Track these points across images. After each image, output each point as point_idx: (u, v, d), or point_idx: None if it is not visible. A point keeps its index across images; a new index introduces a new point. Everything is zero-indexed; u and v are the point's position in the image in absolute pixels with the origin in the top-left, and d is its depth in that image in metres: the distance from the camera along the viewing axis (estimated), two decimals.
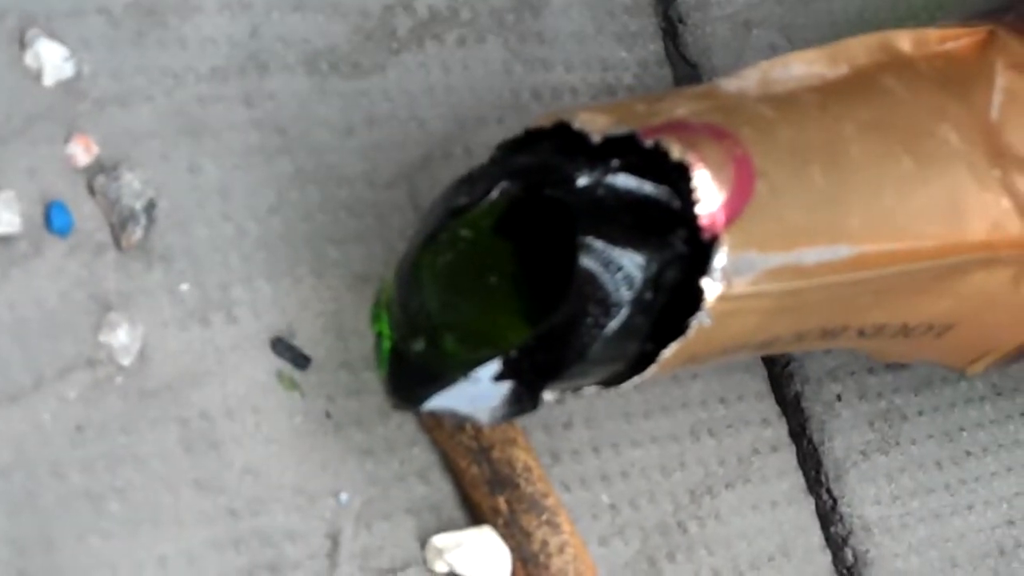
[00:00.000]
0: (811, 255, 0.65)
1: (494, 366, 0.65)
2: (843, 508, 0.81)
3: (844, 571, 0.81)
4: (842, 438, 0.82)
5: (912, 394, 0.84)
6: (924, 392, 0.84)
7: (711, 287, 0.62)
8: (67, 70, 0.69)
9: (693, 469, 0.78)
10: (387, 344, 0.68)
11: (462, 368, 0.65)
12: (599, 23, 0.80)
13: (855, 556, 0.81)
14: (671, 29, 0.82)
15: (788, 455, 0.80)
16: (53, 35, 0.69)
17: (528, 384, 0.65)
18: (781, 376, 0.81)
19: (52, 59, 0.69)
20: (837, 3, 0.86)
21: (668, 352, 0.64)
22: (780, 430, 0.81)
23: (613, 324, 0.63)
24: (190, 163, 0.71)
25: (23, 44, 0.68)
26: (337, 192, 0.73)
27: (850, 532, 0.81)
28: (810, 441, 0.81)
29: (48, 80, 0.69)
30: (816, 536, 0.81)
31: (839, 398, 0.82)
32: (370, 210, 0.73)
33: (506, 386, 0.65)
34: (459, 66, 0.77)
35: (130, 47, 0.71)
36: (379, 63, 0.75)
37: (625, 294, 0.63)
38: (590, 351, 0.63)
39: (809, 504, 0.81)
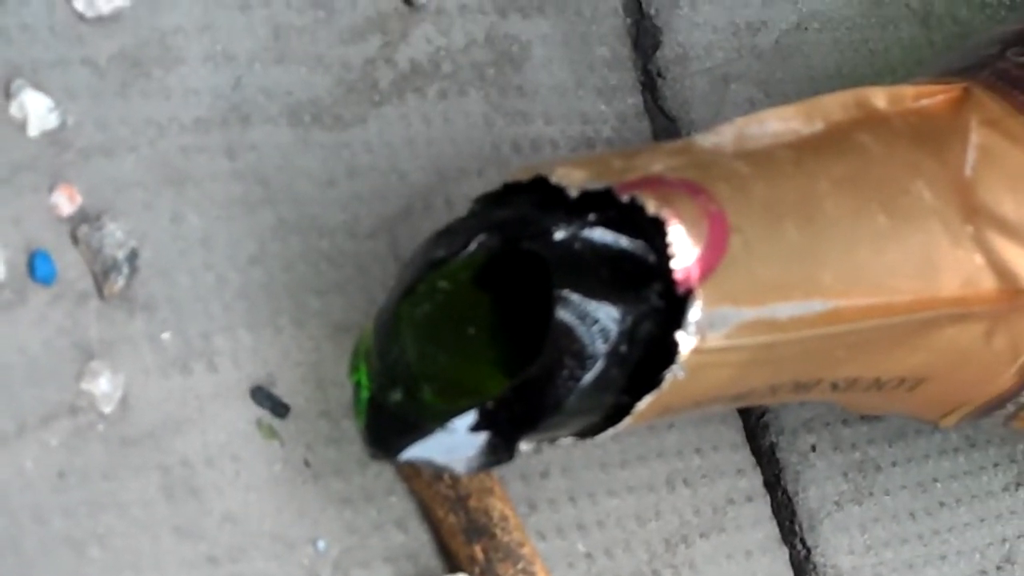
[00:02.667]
0: (785, 309, 0.65)
1: (471, 417, 0.65)
2: (817, 558, 0.82)
3: None
4: (816, 488, 0.82)
5: (886, 445, 0.84)
6: (898, 443, 0.84)
7: (685, 341, 0.63)
8: (52, 120, 0.70)
9: (668, 518, 0.78)
10: (365, 394, 0.68)
11: (439, 418, 0.66)
12: (579, 76, 0.80)
13: None
14: (650, 83, 0.83)
15: (762, 505, 0.81)
16: (38, 86, 0.69)
17: (505, 435, 0.65)
18: (756, 427, 0.81)
19: (37, 109, 0.69)
20: (815, 59, 0.86)
21: (643, 404, 0.64)
22: (755, 480, 0.81)
23: (589, 376, 0.63)
24: (173, 213, 0.71)
25: (8, 94, 0.69)
26: (318, 243, 0.73)
27: None
28: (784, 491, 0.81)
29: (33, 130, 0.69)
30: None
31: (813, 449, 0.82)
32: (351, 261, 0.74)
33: (483, 436, 0.65)
34: (440, 119, 0.77)
35: (114, 98, 0.71)
36: (361, 115, 0.76)
37: (600, 347, 0.63)
38: (566, 403, 0.64)
39: (783, 554, 0.81)
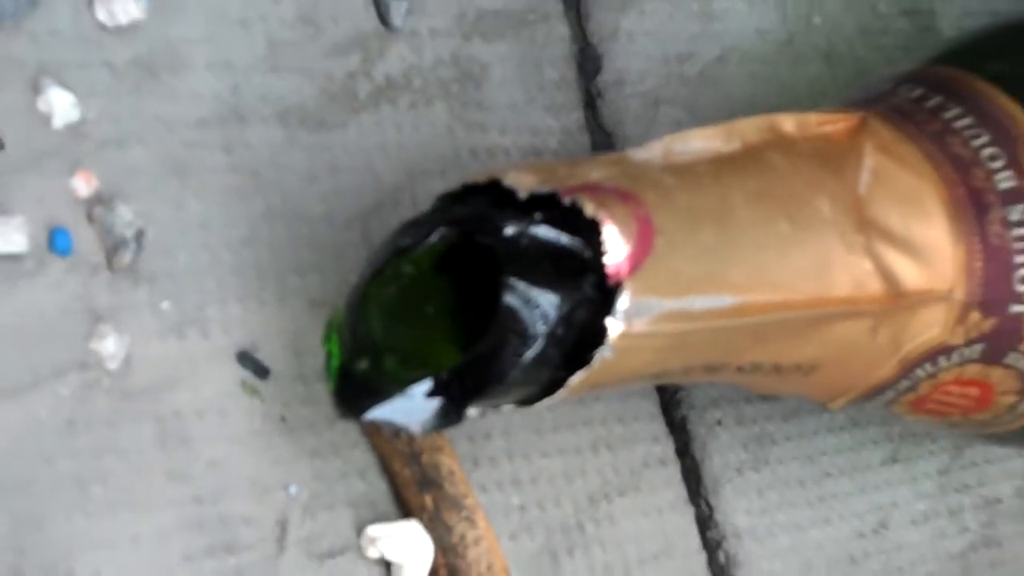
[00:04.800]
0: (699, 302, 0.65)
1: (427, 385, 0.65)
2: (718, 516, 0.82)
3: (717, 570, 0.81)
4: (720, 457, 0.82)
5: (781, 422, 0.84)
6: (791, 421, 0.84)
7: (614, 326, 0.63)
8: (74, 115, 0.69)
9: (592, 478, 0.78)
10: (336, 362, 0.68)
11: (399, 385, 0.66)
12: (530, 95, 0.80)
13: (727, 558, 0.81)
14: (591, 102, 0.83)
15: (673, 469, 0.81)
16: (63, 84, 0.69)
17: (455, 401, 0.65)
18: (670, 402, 0.81)
19: (61, 105, 0.69)
20: (734, 88, 0.86)
21: (575, 379, 0.64)
22: (667, 447, 0.81)
23: (530, 353, 0.63)
24: (175, 199, 0.71)
25: (37, 90, 0.68)
26: (301, 229, 0.73)
27: (723, 537, 0.81)
28: (692, 458, 0.81)
29: (57, 123, 0.69)
30: (694, 540, 0.81)
31: (719, 422, 0.82)
32: (328, 246, 0.73)
33: (436, 402, 0.65)
34: (409, 127, 0.77)
35: (128, 97, 0.71)
36: (341, 121, 0.75)
37: (541, 328, 0.63)
38: (509, 376, 0.63)
39: (690, 512, 0.81)
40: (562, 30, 0.83)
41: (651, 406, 0.81)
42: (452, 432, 0.71)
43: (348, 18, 0.77)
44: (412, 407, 0.65)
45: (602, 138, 0.82)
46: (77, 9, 0.70)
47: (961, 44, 0.84)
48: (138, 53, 0.71)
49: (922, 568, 0.88)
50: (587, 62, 0.83)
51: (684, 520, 0.81)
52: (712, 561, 0.81)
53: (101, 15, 0.71)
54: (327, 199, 0.74)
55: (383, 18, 0.78)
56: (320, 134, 0.75)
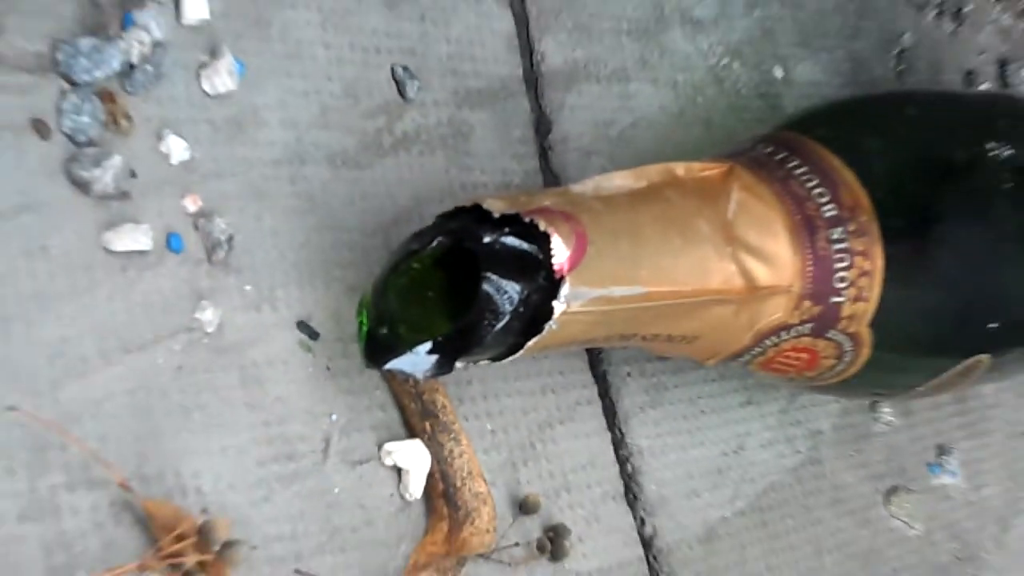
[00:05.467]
0: (618, 291, 0.64)
1: (428, 345, 0.65)
2: (627, 440, 0.81)
3: (626, 477, 0.80)
4: (629, 399, 0.82)
5: (672, 375, 0.84)
6: (679, 374, 0.84)
7: (558, 307, 0.62)
8: (185, 155, 0.68)
9: (541, 412, 0.77)
10: (364, 329, 0.67)
11: (409, 346, 0.65)
12: (502, 146, 0.80)
13: (632, 468, 0.81)
14: (544, 154, 0.82)
15: (596, 407, 0.80)
16: (179, 134, 0.68)
17: (447, 357, 0.64)
18: (595, 359, 0.81)
19: (177, 148, 0.68)
20: (642, 145, 0.86)
21: (531, 343, 0.64)
22: (593, 392, 0.80)
23: (499, 325, 0.63)
24: (255, 215, 0.70)
25: (160, 137, 0.67)
26: (341, 237, 0.72)
27: (631, 454, 0.81)
28: (610, 400, 0.81)
29: (174, 160, 0.68)
30: (610, 455, 0.81)
31: (629, 375, 0.82)
32: (360, 249, 0.73)
33: (434, 358, 0.65)
34: (418, 167, 0.76)
35: (224, 144, 0.70)
36: (371, 163, 0.75)
37: (508, 308, 0.62)
38: (485, 341, 0.63)
39: (607, 437, 0.80)
40: (524, 103, 0.82)
41: (582, 363, 0.80)
42: (445, 378, 0.70)
43: (378, 92, 0.76)
44: (417, 361, 0.65)
45: (551, 179, 0.81)
46: (188, 82, 0.69)
47: (799, 116, 0.83)
48: (231, 113, 0.70)
49: (767, 478, 0.87)
50: (541, 126, 0.82)
51: (603, 442, 0.80)
52: (622, 471, 0.80)
53: (206, 86, 0.70)
54: (360, 216, 0.73)
55: (401, 93, 0.77)
56: (356, 171, 0.74)
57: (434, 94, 0.78)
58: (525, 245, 0.63)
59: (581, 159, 0.83)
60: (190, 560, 0.60)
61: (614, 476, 0.80)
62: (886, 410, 0.95)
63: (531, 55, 0.84)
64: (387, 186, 0.74)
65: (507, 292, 0.62)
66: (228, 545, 0.60)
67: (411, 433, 0.71)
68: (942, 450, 0.99)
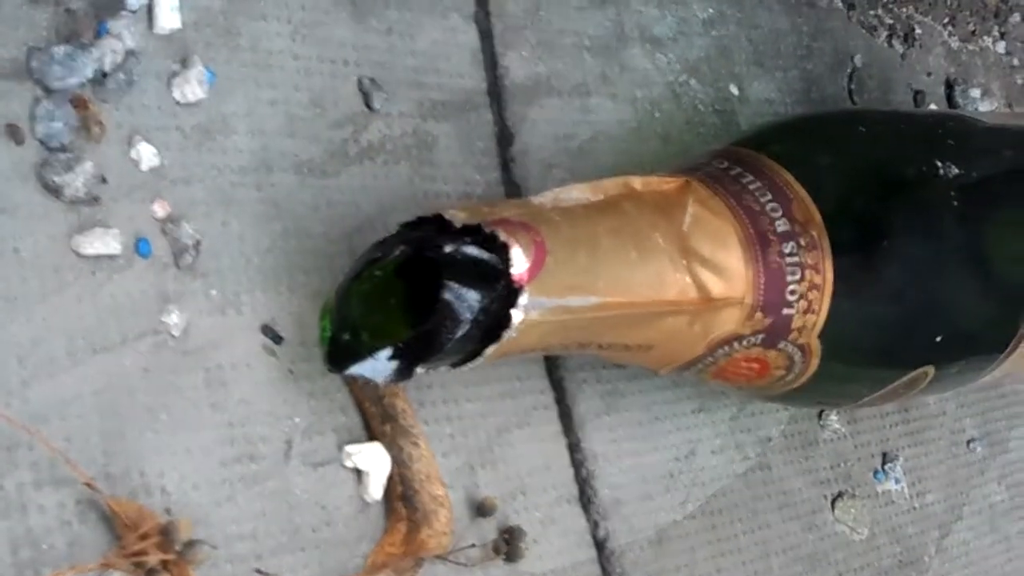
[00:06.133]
0: (574, 301, 0.64)
1: (388, 351, 0.64)
2: (583, 445, 0.81)
3: (581, 481, 0.80)
4: (585, 404, 0.81)
5: (627, 382, 0.83)
6: (634, 381, 0.83)
7: (517, 316, 0.62)
8: (155, 161, 0.68)
9: (499, 416, 0.77)
10: (327, 334, 0.67)
11: (370, 351, 0.65)
12: (465, 158, 0.79)
13: (587, 472, 0.80)
14: (506, 165, 0.82)
15: (553, 412, 0.80)
16: (149, 141, 0.67)
17: (407, 363, 0.64)
18: (553, 366, 0.80)
19: (147, 155, 0.67)
20: (602, 158, 0.86)
21: (490, 350, 0.63)
22: (549, 398, 0.80)
23: (459, 332, 0.62)
24: (222, 221, 0.69)
25: (130, 144, 0.67)
26: (307, 243, 0.72)
27: (585, 459, 0.80)
28: (566, 405, 0.81)
29: (144, 166, 0.67)
30: (566, 459, 0.80)
31: (585, 381, 0.82)
32: (325, 256, 0.72)
33: (394, 363, 0.64)
34: (383, 177, 0.76)
35: (193, 151, 0.69)
36: (337, 171, 0.74)
37: (467, 316, 0.62)
38: (445, 348, 0.62)
39: (563, 441, 0.80)
40: (488, 116, 0.82)
41: (539, 369, 0.80)
42: (406, 383, 0.70)
43: (344, 103, 0.75)
44: (378, 366, 0.64)
45: (513, 190, 0.81)
46: (159, 90, 0.69)
47: (754, 132, 0.83)
48: (200, 121, 0.70)
49: (717, 483, 0.87)
50: (504, 138, 0.82)
51: (559, 446, 0.80)
52: (577, 475, 0.80)
53: (176, 94, 0.69)
54: (325, 223, 0.72)
55: (368, 104, 0.77)
56: (322, 179, 0.73)
57: (399, 106, 0.78)
58: (485, 255, 0.63)
59: (542, 171, 0.83)
60: (153, 559, 0.59)
61: (569, 480, 0.79)
62: (833, 418, 0.95)
63: (495, 69, 0.83)
64: (352, 194, 0.74)
65: (467, 300, 0.62)
66: (190, 544, 0.60)
67: (372, 436, 0.71)
68: (887, 457, 0.99)
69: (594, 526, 0.80)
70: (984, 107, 1.19)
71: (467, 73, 0.82)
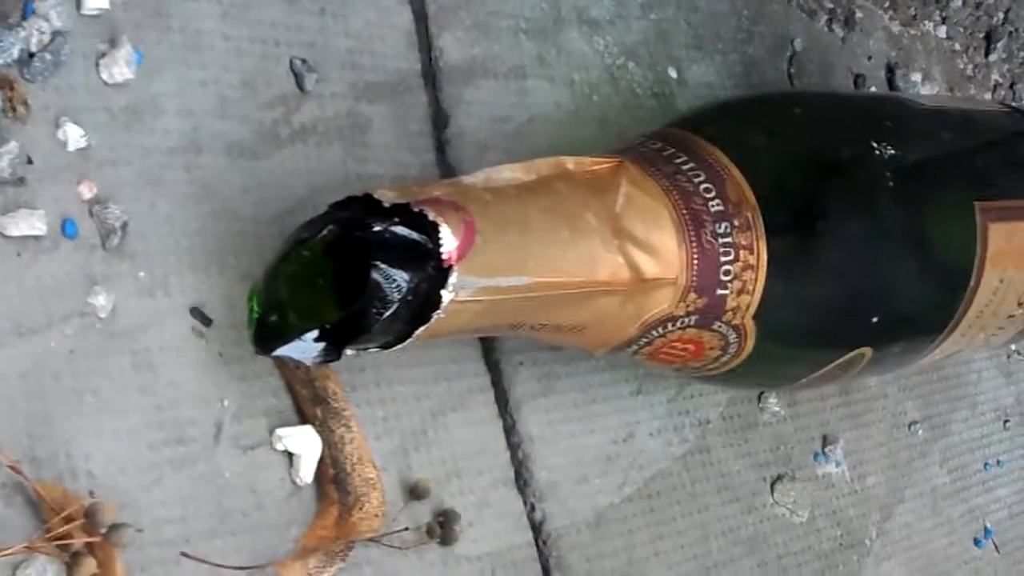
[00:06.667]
0: (505, 281, 0.64)
1: (315, 333, 0.64)
2: (519, 427, 0.80)
3: (517, 463, 0.80)
4: (521, 387, 0.81)
5: (564, 364, 0.83)
6: (569, 363, 0.83)
7: (446, 296, 0.62)
8: (82, 142, 0.67)
9: (433, 399, 0.77)
10: (255, 316, 0.66)
11: (297, 333, 0.64)
12: (398, 139, 0.79)
13: (523, 455, 0.80)
14: (441, 147, 0.81)
15: (489, 395, 0.80)
16: (76, 122, 0.67)
17: (335, 344, 0.63)
18: (489, 348, 0.80)
19: (74, 135, 0.67)
20: (538, 140, 0.86)
21: (419, 331, 0.63)
22: (485, 380, 0.80)
23: (388, 313, 0.62)
24: (150, 202, 0.69)
25: (57, 125, 0.66)
26: (237, 225, 0.71)
27: (521, 441, 0.80)
28: (502, 388, 0.81)
29: (71, 147, 0.66)
30: (502, 442, 0.80)
31: (521, 363, 0.81)
32: (254, 238, 0.72)
33: (321, 345, 0.64)
34: (315, 158, 0.75)
35: (121, 132, 0.68)
36: (268, 153, 0.74)
37: (396, 296, 0.61)
38: (373, 329, 0.62)
39: (499, 423, 0.80)
40: (422, 98, 0.81)
41: (475, 352, 0.80)
42: (337, 365, 0.69)
43: (275, 84, 0.75)
44: (305, 348, 0.64)
45: (448, 172, 0.81)
46: (87, 71, 0.68)
47: (689, 114, 0.83)
48: (129, 102, 0.69)
49: (656, 465, 0.87)
50: (439, 120, 0.81)
51: (495, 429, 0.79)
52: (513, 457, 0.80)
53: (104, 75, 0.68)
54: (256, 205, 0.72)
55: (300, 85, 0.76)
56: (253, 161, 0.73)
57: (332, 87, 0.77)
58: (415, 235, 0.62)
59: (478, 153, 0.82)
60: (77, 542, 0.58)
61: (505, 463, 0.79)
62: (772, 401, 0.95)
63: (430, 51, 0.83)
64: (283, 176, 0.73)
65: (396, 281, 0.61)
66: (115, 527, 0.59)
67: (303, 419, 0.70)
68: (827, 440, 0.99)
69: (530, 509, 0.79)
70: (925, 92, 1.19)
71: (401, 55, 0.81)
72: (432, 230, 0.62)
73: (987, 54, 1.28)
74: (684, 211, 0.71)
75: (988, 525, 1.12)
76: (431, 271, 0.62)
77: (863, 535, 1.00)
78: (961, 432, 1.13)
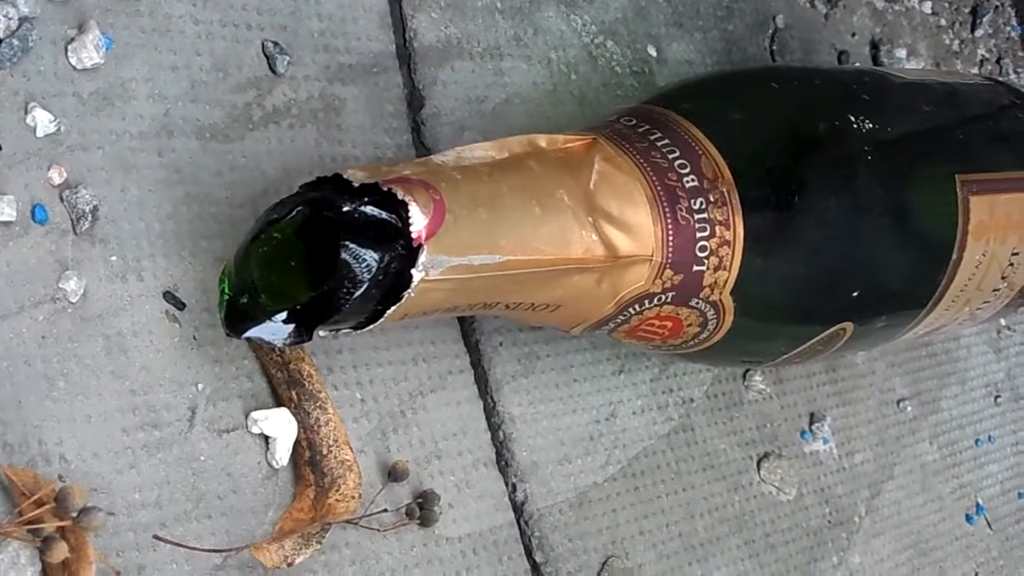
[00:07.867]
0: (477, 259, 0.64)
1: (286, 314, 0.63)
2: (499, 408, 0.80)
3: (498, 444, 0.80)
4: (501, 368, 0.81)
5: (544, 344, 0.83)
6: (550, 344, 0.83)
7: (416, 275, 0.61)
8: (51, 128, 0.67)
9: (412, 381, 0.77)
10: (226, 298, 0.66)
11: (269, 314, 0.64)
12: (374, 121, 0.79)
13: (504, 436, 0.80)
14: (416, 128, 0.81)
15: (469, 376, 0.79)
16: (45, 107, 0.67)
17: (307, 325, 0.63)
18: (468, 329, 0.80)
19: (43, 121, 0.66)
20: (515, 120, 0.86)
21: (390, 312, 0.62)
22: (465, 361, 0.79)
23: (358, 293, 0.61)
24: (121, 186, 0.69)
25: (26, 111, 0.66)
26: (209, 208, 0.71)
27: (502, 422, 0.80)
28: (482, 368, 0.80)
29: (40, 133, 0.66)
30: (482, 423, 0.80)
31: (501, 344, 0.81)
32: (229, 221, 0.71)
33: (292, 326, 0.63)
34: (288, 141, 0.75)
35: (91, 117, 0.68)
36: (240, 136, 0.73)
37: (366, 276, 0.61)
38: (343, 309, 0.62)
39: (479, 404, 0.80)
40: (397, 79, 0.81)
41: (454, 332, 0.80)
42: (313, 346, 0.70)
43: (247, 67, 0.75)
44: (276, 329, 0.64)
45: (424, 153, 0.81)
46: (56, 55, 0.68)
47: (664, 91, 0.83)
48: (99, 86, 0.69)
49: (639, 444, 0.87)
50: (414, 101, 0.81)
51: (475, 410, 0.79)
52: (494, 438, 0.80)
53: (73, 60, 0.68)
54: (228, 188, 0.72)
55: (272, 67, 0.76)
56: (225, 144, 0.73)
57: (305, 69, 0.77)
58: (384, 214, 0.62)
59: (454, 134, 0.82)
60: (49, 526, 0.58)
61: (486, 443, 0.79)
62: (758, 379, 0.95)
63: (404, 31, 0.83)
64: (256, 159, 0.73)
65: (366, 261, 0.61)
66: (86, 511, 0.59)
67: (278, 402, 0.70)
68: (814, 417, 0.99)
69: (512, 489, 0.79)
70: (911, 67, 1.19)
71: (375, 36, 0.81)
72: (401, 209, 0.62)
73: (973, 29, 1.28)
74: (658, 187, 0.71)
75: (980, 501, 1.12)
76: (401, 250, 0.62)
77: (852, 512, 1.00)
78: (951, 408, 1.12)
